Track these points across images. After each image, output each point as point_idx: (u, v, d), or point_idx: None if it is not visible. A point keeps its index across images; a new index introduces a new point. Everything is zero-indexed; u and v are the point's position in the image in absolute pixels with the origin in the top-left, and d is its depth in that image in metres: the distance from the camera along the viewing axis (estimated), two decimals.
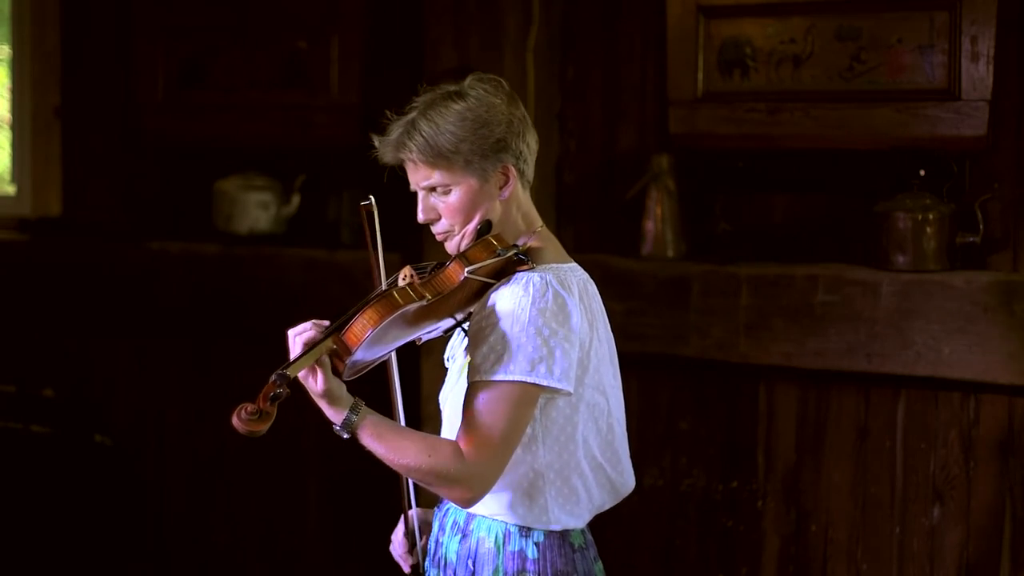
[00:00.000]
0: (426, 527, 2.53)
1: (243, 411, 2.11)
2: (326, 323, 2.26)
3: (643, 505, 3.62)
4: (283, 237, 4.42)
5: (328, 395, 2.22)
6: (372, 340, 2.18)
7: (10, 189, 4.98)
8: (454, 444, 2.22)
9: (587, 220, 3.96)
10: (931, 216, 3.45)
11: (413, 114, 2.34)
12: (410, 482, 2.47)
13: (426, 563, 2.50)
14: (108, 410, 4.69)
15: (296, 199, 4.40)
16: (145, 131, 4.65)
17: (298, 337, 2.26)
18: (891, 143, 3.53)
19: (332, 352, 2.20)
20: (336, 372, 2.22)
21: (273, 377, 2.11)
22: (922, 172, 3.49)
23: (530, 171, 2.41)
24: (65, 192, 4.91)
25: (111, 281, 4.56)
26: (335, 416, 2.24)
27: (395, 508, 2.56)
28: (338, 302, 4.09)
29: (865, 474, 3.59)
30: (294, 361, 2.16)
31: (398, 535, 2.56)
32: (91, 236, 4.72)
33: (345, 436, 2.25)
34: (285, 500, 4.43)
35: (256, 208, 4.39)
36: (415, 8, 4.04)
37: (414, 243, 3.61)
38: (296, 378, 2.16)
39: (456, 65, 3.83)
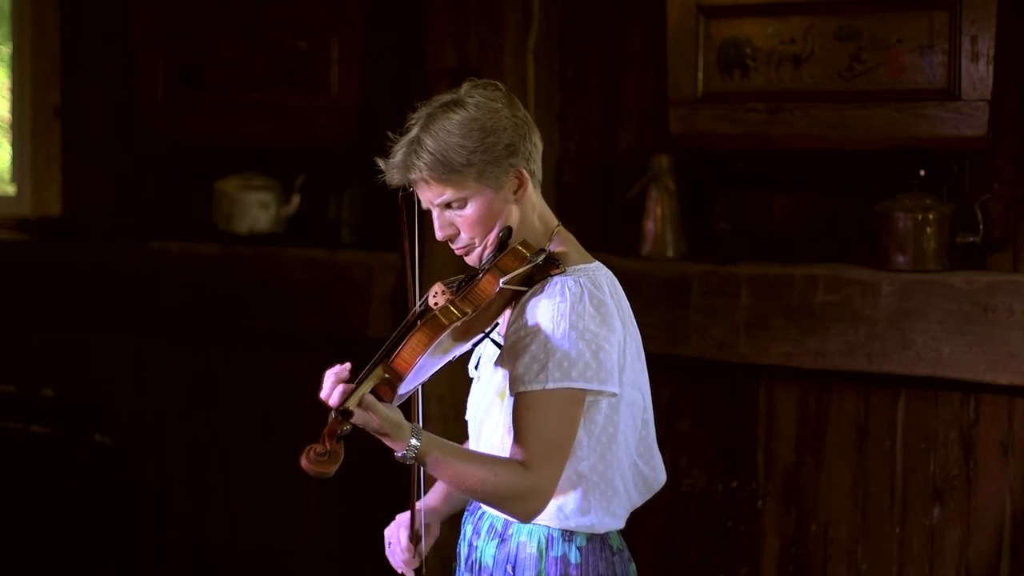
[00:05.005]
0: (429, 529, 2.45)
1: (311, 452, 2.05)
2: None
3: (643, 505, 3.61)
4: (283, 237, 4.41)
5: (387, 428, 2.13)
6: (420, 364, 2.16)
7: (10, 189, 4.99)
8: (513, 461, 2.20)
9: (587, 220, 3.96)
10: (931, 216, 3.44)
11: (415, 131, 2.27)
12: (422, 473, 2.37)
13: (454, 564, 2.47)
14: (108, 410, 4.69)
15: (296, 199, 4.40)
16: (145, 131, 4.65)
17: (336, 377, 2.18)
18: (891, 143, 3.53)
19: (383, 380, 2.16)
20: (383, 400, 2.16)
21: (333, 414, 2.07)
22: (922, 172, 3.48)
23: (539, 171, 2.37)
24: (65, 192, 4.91)
25: (111, 281, 4.55)
26: (396, 445, 2.16)
27: (396, 508, 2.53)
28: (338, 302, 4.14)
29: (865, 474, 3.59)
30: (350, 394, 2.11)
31: (399, 535, 2.44)
32: (91, 236, 4.72)
33: (408, 463, 2.19)
34: (285, 500, 4.42)
35: (256, 208, 4.39)
36: (415, 8, 4.04)
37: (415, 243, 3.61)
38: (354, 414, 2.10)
39: (456, 65, 3.83)
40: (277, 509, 4.45)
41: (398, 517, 2.47)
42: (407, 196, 2.33)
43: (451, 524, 2.60)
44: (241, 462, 4.49)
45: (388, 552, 2.47)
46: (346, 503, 4.31)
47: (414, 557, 2.43)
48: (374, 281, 4.07)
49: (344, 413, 2.07)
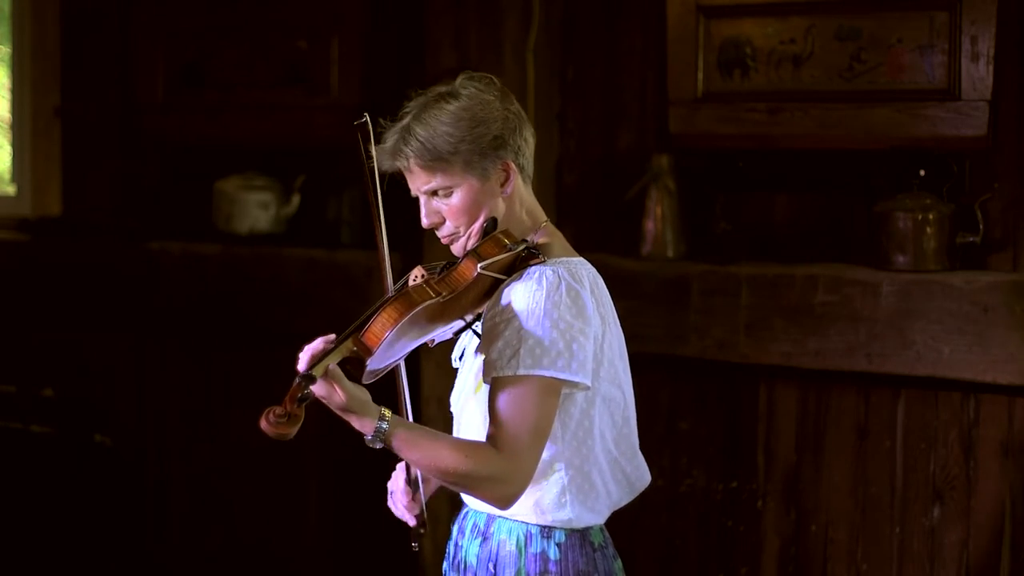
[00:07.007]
0: (428, 479, 2.45)
1: (271, 414, 2.06)
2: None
3: (643, 505, 3.62)
4: (283, 237, 4.42)
5: (352, 405, 2.16)
6: (390, 340, 2.16)
7: (10, 189, 4.99)
8: (488, 445, 2.20)
9: (587, 220, 3.96)
10: (931, 216, 3.45)
11: (407, 119, 2.31)
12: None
13: (444, 565, 2.48)
14: (108, 410, 4.69)
15: (296, 199, 4.40)
16: (145, 131, 4.65)
17: (311, 349, 2.21)
18: (891, 143, 3.53)
19: (352, 354, 2.16)
20: (355, 377, 2.18)
21: (297, 379, 2.08)
22: (922, 172, 3.49)
23: (530, 166, 2.39)
24: (65, 192, 4.91)
25: (111, 281, 4.56)
26: (364, 427, 2.18)
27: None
28: (338, 302, 4.14)
29: (865, 474, 3.60)
30: (317, 361, 2.13)
31: (398, 485, 2.47)
32: (91, 236, 4.72)
33: (377, 446, 2.20)
34: (285, 500, 4.43)
35: (256, 208, 4.39)
36: (415, 8, 4.05)
37: (415, 244, 3.61)
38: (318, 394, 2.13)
39: (456, 65, 3.83)
40: (277, 509, 4.45)
41: (399, 466, 2.48)
42: (363, 124, 2.33)
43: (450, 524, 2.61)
44: (241, 462, 4.49)
45: (390, 502, 2.50)
46: (346, 503, 4.31)
47: (413, 502, 2.45)
48: (374, 281, 4.07)
49: (307, 378, 2.08)
